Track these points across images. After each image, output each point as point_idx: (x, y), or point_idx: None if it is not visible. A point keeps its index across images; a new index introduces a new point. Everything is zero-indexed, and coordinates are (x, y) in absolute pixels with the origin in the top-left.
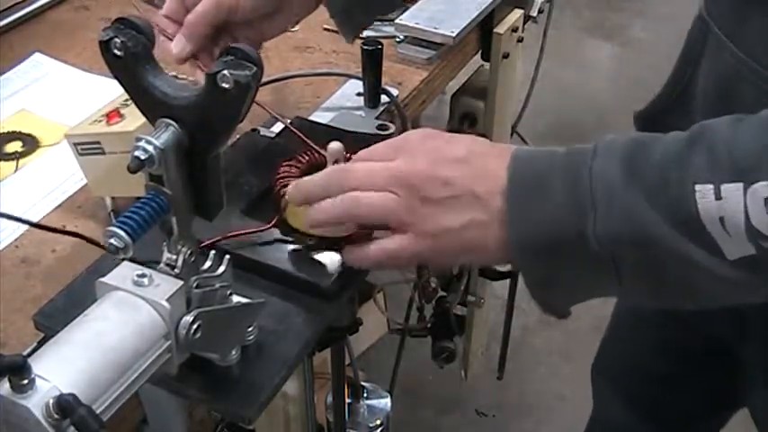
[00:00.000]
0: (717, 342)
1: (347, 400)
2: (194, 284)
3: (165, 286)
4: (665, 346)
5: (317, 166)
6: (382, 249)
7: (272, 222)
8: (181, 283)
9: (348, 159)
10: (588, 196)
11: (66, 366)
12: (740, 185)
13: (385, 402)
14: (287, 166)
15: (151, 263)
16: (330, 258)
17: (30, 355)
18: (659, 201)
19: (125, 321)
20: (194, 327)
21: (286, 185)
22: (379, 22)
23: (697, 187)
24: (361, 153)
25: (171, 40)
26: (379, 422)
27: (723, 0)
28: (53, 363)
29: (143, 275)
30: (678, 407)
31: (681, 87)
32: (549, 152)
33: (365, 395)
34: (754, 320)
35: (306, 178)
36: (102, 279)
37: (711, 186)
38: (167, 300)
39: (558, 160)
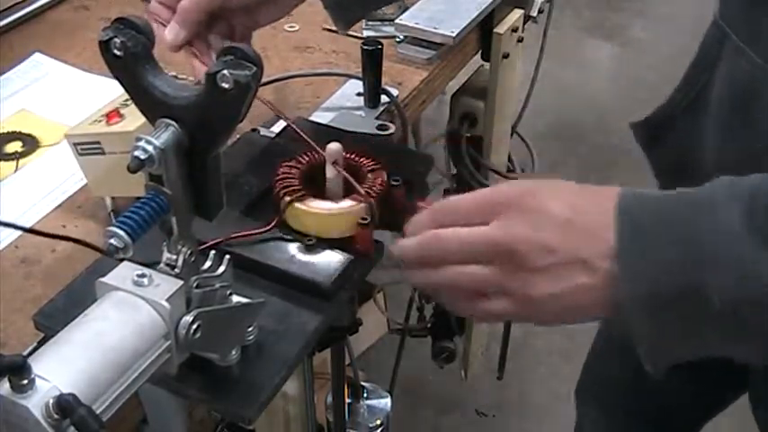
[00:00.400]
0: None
1: (347, 400)
2: (194, 284)
3: (164, 286)
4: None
5: (318, 166)
6: (487, 313)
7: (273, 223)
8: (181, 282)
9: (348, 159)
10: (708, 253)
11: (66, 366)
12: None
13: (385, 402)
14: (287, 166)
15: (152, 263)
16: (330, 258)
17: (29, 354)
18: None
19: (125, 321)
20: (194, 327)
21: (286, 186)
22: (379, 22)
23: None
24: (449, 205)
25: (165, 26)
26: (379, 422)
27: (736, 4)
28: (53, 363)
29: (143, 275)
30: (665, 419)
31: (694, 93)
32: (657, 202)
33: (365, 395)
34: None
35: (402, 242)
36: (102, 279)
37: None
38: (167, 300)
39: (670, 212)
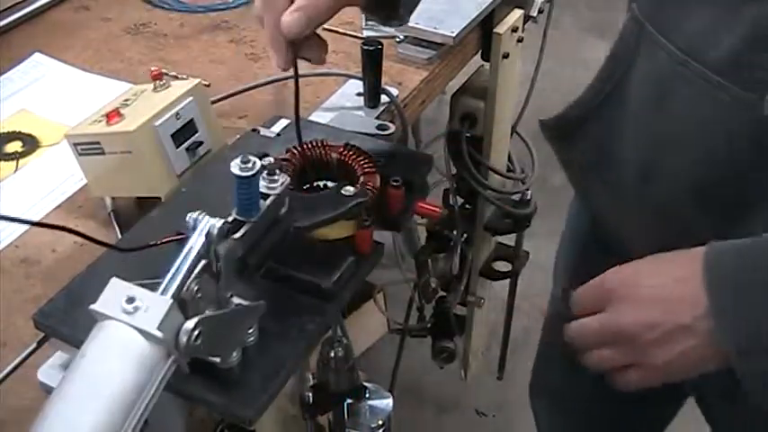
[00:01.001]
0: None
1: (348, 400)
2: (194, 288)
3: (154, 308)
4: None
5: (316, 162)
6: (628, 383)
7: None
8: (170, 302)
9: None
10: None
11: (73, 429)
12: None
13: (387, 403)
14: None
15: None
16: (330, 259)
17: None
18: None
19: (122, 360)
20: (195, 333)
21: None
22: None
23: None
24: (581, 297)
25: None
26: (380, 422)
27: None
28: (59, 428)
29: (131, 300)
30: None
31: (610, 87)
32: (737, 254)
33: (367, 395)
34: None
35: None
36: (93, 306)
37: None
38: (159, 327)
39: (753, 259)
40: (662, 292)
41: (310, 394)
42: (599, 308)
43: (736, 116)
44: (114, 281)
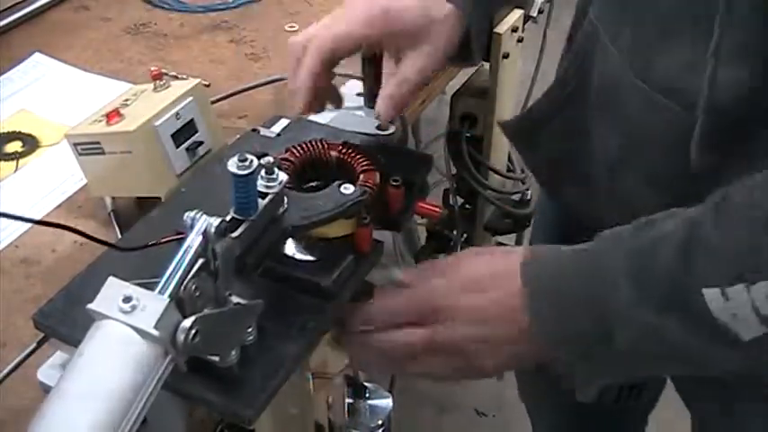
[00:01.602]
0: None
1: (348, 400)
2: (192, 287)
3: (151, 307)
4: None
5: (315, 161)
6: (422, 371)
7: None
8: (167, 300)
9: (341, 158)
10: (607, 315)
11: (70, 428)
12: (742, 286)
13: (387, 402)
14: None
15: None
16: (330, 258)
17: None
18: (672, 311)
19: (119, 359)
20: (193, 332)
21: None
22: None
23: (705, 291)
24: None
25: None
26: (380, 422)
27: (605, 5)
28: (56, 427)
29: (128, 299)
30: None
31: (572, 87)
32: (555, 264)
33: (367, 395)
34: None
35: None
36: (90, 306)
37: (718, 290)
38: (155, 326)
39: (570, 279)
40: (484, 313)
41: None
42: (421, 320)
43: (679, 128)
44: (111, 280)
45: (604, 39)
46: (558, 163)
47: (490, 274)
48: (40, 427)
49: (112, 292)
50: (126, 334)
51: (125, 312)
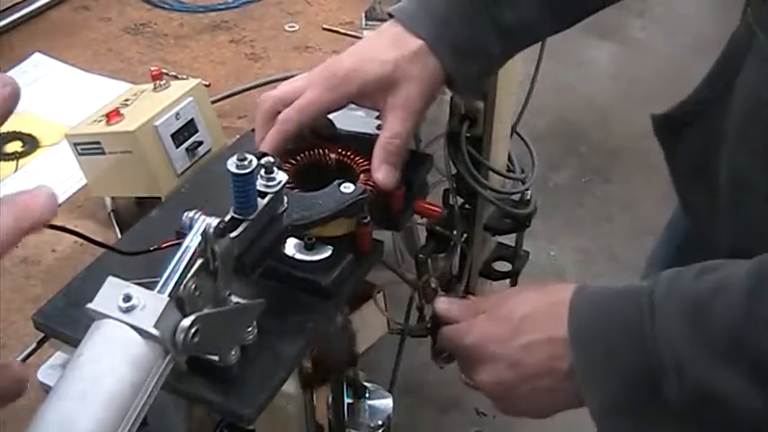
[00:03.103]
0: None
1: (348, 401)
2: (192, 286)
3: (151, 306)
4: None
5: (315, 162)
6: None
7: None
8: (167, 300)
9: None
10: (657, 364)
11: (69, 428)
12: None
13: (386, 403)
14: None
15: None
16: (330, 257)
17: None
18: (733, 361)
19: (119, 359)
20: (192, 331)
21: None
22: (378, 22)
23: None
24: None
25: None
26: (380, 422)
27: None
28: (55, 427)
29: (128, 298)
30: None
31: (715, 94)
32: (606, 312)
33: (366, 395)
34: None
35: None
36: (90, 306)
37: None
38: (155, 325)
39: (617, 322)
40: (521, 360)
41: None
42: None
43: None
44: (111, 279)
45: (762, 42)
46: (689, 171)
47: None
48: (39, 428)
49: (112, 292)
50: (126, 333)
51: (125, 311)
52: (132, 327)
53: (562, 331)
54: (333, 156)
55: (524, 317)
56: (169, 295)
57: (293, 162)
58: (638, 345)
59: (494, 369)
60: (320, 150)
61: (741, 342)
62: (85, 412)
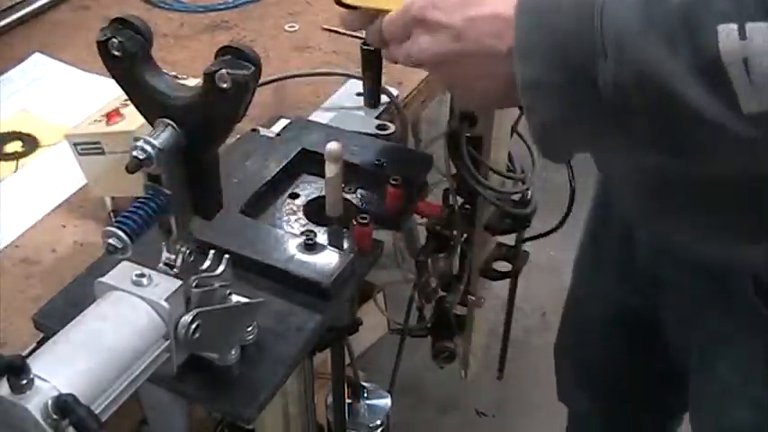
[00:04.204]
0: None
1: (347, 400)
2: (194, 284)
3: (163, 286)
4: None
5: None
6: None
7: None
8: (179, 282)
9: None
10: (599, 42)
11: (65, 366)
12: (766, 25)
13: (385, 402)
14: None
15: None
16: (330, 258)
17: (29, 355)
18: (677, 46)
19: (124, 321)
20: (193, 326)
21: None
22: None
23: (719, 28)
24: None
25: None
26: (379, 422)
27: None
28: (52, 363)
29: (142, 275)
30: (631, 385)
31: None
32: None
33: (365, 395)
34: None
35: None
36: (101, 279)
37: (735, 26)
38: (166, 300)
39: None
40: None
41: None
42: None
43: None
44: (125, 263)
45: None
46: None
47: None
48: (37, 362)
49: (126, 271)
50: (135, 301)
51: (138, 285)
52: (142, 298)
53: (510, 9)
54: None
55: None
56: None
57: None
58: (582, 19)
59: (435, 38)
60: None
61: (688, 23)
62: (84, 358)
